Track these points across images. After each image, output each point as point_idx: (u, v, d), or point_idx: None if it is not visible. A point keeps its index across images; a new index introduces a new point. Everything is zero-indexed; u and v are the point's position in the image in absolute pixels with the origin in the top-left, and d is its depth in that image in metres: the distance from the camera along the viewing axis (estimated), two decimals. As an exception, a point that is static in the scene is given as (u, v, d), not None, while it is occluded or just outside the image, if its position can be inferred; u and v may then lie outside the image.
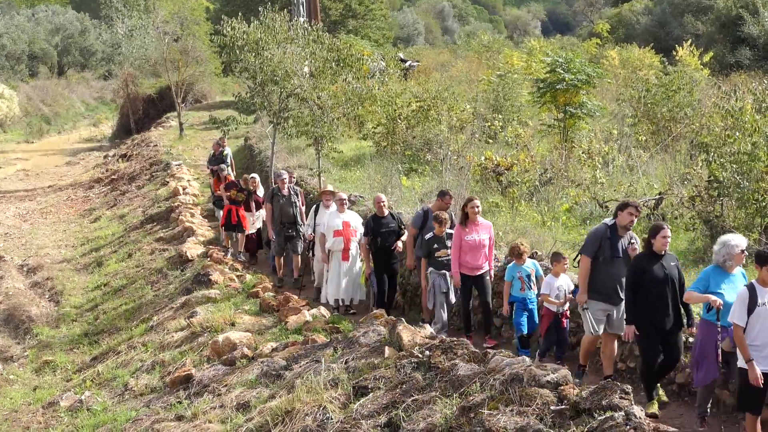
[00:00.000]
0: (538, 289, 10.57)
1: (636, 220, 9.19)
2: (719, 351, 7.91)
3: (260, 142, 27.30)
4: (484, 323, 11.44)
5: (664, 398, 8.61)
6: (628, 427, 6.02)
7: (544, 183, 16.79)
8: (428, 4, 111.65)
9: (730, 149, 12.80)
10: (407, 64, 38.33)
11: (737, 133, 12.78)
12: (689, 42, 33.98)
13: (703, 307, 8.17)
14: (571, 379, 7.21)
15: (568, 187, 16.48)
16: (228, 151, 23.65)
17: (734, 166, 12.48)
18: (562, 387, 6.98)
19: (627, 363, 9.64)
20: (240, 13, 19.22)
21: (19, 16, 68.98)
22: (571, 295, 10.03)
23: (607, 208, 14.97)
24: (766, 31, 39.17)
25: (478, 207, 11.25)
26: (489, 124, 22.40)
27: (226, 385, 10.74)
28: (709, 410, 8.07)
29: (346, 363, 9.30)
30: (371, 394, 8.18)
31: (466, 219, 11.25)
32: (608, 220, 9.26)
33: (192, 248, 18.84)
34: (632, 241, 9.12)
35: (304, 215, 15.54)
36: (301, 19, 24.42)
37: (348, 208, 15.58)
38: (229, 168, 21.78)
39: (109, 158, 38.47)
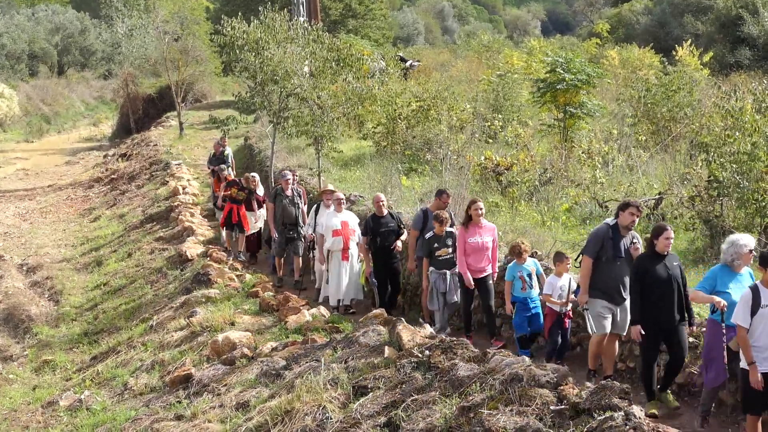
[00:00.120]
0: (541, 288, 10.55)
1: (638, 220, 9.16)
2: (725, 352, 7.87)
3: (260, 141, 27.30)
4: (488, 326, 11.39)
5: (675, 403, 8.50)
6: (627, 427, 6.02)
7: (543, 183, 16.79)
8: (428, 3, 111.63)
9: (729, 149, 12.80)
10: (408, 63, 38.31)
11: (737, 133, 12.78)
12: (689, 42, 33.99)
13: (710, 306, 8.13)
14: (571, 379, 7.21)
15: (568, 186, 16.48)
16: (229, 151, 23.64)
17: (734, 166, 12.48)
18: (561, 387, 6.98)
19: (627, 363, 9.64)
20: (240, 13, 19.24)
21: (19, 15, 68.96)
22: (573, 296, 10.00)
23: (606, 208, 14.97)
24: (766, 31, 39.17)
25: (481, 209, 11.21)
26: (489, 123, 22.40)
27: (225, 385, 10.73)
28: (712, 410, 8.04)
29: (345, 363, 9.30)
30: (371, 394, 8.18)
31: (469, 221, 11.22)
32: (610, 220, 9.23)
33: (192, 248, 18.84)
34: (634, 240, 9.10)
35: (306, 216, 15.52)
36: (301, 19, 24.44)
37: (348, 208, 15.59)
38: (230, 168, 21.77)
39: (109, 158, 38.47)
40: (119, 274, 19.61)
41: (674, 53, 32.64)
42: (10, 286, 19.71)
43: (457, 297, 11.53)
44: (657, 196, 14.67)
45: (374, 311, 11.47)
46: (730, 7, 42.76)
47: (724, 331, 7.86)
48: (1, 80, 54.64)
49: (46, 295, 19.36)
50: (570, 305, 10.11)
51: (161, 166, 31.05)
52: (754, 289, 7.41)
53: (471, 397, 7.29)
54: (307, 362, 10.05)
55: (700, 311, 9.12)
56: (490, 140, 21.70)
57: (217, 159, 22.18)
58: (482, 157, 17.63)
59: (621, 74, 31.70)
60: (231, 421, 9.39)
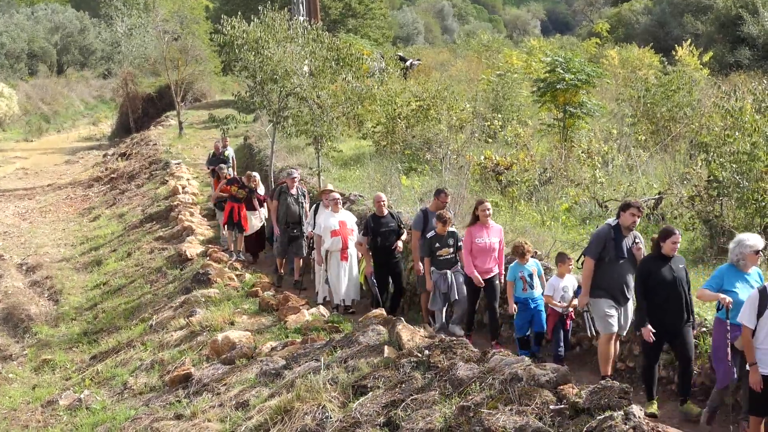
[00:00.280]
0: (543, 288, 10.52)
1: (639, 220, 9.14)
2: (729, 349, 7.84)
3: (260, 141, 27.31)
4: (490, 327, 11.36)
5: (696, 410, 8.35)
6: (627, 426, 6.02)
7: (543, 182, 16.78)
8: (428, 3, 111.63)
9: (729, 149, 12.80)
10: (408, 62, 38.30)
11: (737, 133, 12.78)
12: (689, 42, 33.99)
13: (716, 304, 8.09)
14: (571, 379, 7.21)
15: (568, 186, 16.48)
16: (230, 151, 23.61)
17: (734, 165, 12.47)
18: (561, 386, 6.99)
19: (627, 363, 9.64)
20: (240, 12, 19.22)
21: (19, 14, 68.92)
22: (574, 300, 9.98)
23: (606, 207, 14.97)
24: (766, 31, 39.16)
25: (489, 210, 11.15)
26: (488, 123, 22.41)
27: (225, 384, 10.74)
28: (717, 410, 7.99)
29: (345, 362, 9.30)
30: (370, 394, 8.18)
31: (476, 221, 11.19)
32: (611, 221, 9.19)
33: (191, 247, 18.84)
34: (636, 240, 9.07)
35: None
36: (301, 18, 24.44)
37: (347, 208, 15.58)
38: (230, 169, 21.76)
39: (109, 157, 38.47)
40: (119, 274, 19.61)
41: (674, 53, 32.64)
42: (10, 285, 19.71)
43: (457, 295, 11.49)
44: (657, 196, 14.67)
45: (374, 311, 11.47)
46: (729, 6, 42.75)
47: (728, 328, 7.83)
48: (1, 79, 54.65)
49: (46, 295, 19.36)
50: (571, 308, 10.08)
51: (161, 165, 31.06)
52: (762, 291, 7.35)
53: (470, 397, 7.29)
54: (306, 362, 10.05)
55: (700, 311, 9.12)
56: (490, 140, 21.71)
57: (217, 159, 22.12)
58: (482, 157, 17.64)
59: (621, 74, 31.70)
60: (230, 420, 9.40)
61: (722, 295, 7.86)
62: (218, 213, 18.85)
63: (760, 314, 7.28)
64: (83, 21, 71.40)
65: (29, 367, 15.34)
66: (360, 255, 13.60)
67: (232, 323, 13.26)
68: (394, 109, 22.20)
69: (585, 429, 6.24)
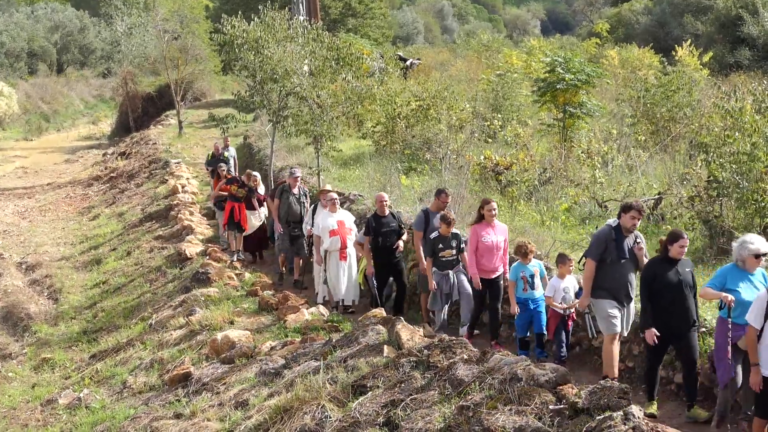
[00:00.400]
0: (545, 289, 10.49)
1: (639, 222, 9.09)
2: (729, 348, 7.82)
3: (259, 140, 27.31)
4: (491, 327, 11.34)
5: (703, 415, 8.30)
6: (626, 427, 6.02)
7: (543, 182, 16.78)
8: (428, 3, 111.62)
9: (729, 149, 12.79)
10: (408, 62, 38.28)
11: (737, 134, 12.77)
12: (689, 42, 33.96)
13: (719, 303, 8.06)
14: (570, 379, 7.21)
15: (568, 186, 16.48)
16: (233, 151, 23.58)
17: (733, 166, 12.46)
18: (560, 387, 6.99)
19: (626, 363, 9.64)
20: (240, 12, 19.22)
21: (19, 13, 68.95)
22: (575, 301, 9.96)
23: (606, 207, 14.97)
24: (766, 32, 39.15)
25: (494, 210, 11.11)
26: (488, 123, 22.41)
27: (224, 384, 10.74)
28: (727, 413, 7.88)
29: (344, 362, 9.30)
30: (370, 393, 8.18)
31: (481, 220, 11.14)
32: (612, 222, 9.15)
33: (191, 246, 18.84)
34: (638, 240, 9.03)
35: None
36: (301, 18, 24.40)
37: (347, 207, 15.58)
38: (232, 168, 21.72)
39: (108, 156, 38.47)
40: (118, 273, 19.61)
41: (674, 53, 32.62)
42: (9, 284, 19.72)
43: (461, 294, 11.48)
44: (656, 196, 14.67)
45: (373, 310, 11.46)
46: (729, 7, 42.74)
47: (730, 327, 7.81)
48: (1, 78, 54.65)
49: (45, 294, 19.36)
50: (573, 309, 10.05)
51: (160, 164, 31.06)
52: None
53: (470, 397, 7.29)
54: (306, 361, 10.06)
55: (700, 311, 9.11)
56: (490, 140, 21.71)
57: (216, 160, 22.04)
58: (482, 157, 17.64)
59: (620, 74, 31.68)
60: (230, 419, 9.41)
61: (724, 294, 7.84)
62: (218, 213, 18.83)
63: (767, 316, 7.26)
64: (83, 20, 71.42)
65: (29, 365, 15.34)
66: (359, 255, 13.58)
67: (231, 322, 13.26)
68: (394, 109, 22.20)
69: (584, 429, 6.25)
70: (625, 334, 9.16)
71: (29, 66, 64.03)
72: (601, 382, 7.04)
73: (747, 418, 7.80)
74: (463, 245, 11.44)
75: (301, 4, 37.60)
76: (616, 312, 8.92)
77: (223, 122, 23.34)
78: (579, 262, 9.63)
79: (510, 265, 11.03)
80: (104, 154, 39.60)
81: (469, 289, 11.37)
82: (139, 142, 38.29)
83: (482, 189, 16.50)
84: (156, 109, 46.13)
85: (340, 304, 13.43)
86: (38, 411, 12.72)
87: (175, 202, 24.17)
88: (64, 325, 17.07)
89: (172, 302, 15.62)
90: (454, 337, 9.12)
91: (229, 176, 18.62)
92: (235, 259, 17.12)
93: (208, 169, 23.03)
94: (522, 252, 10.53)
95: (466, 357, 8.15)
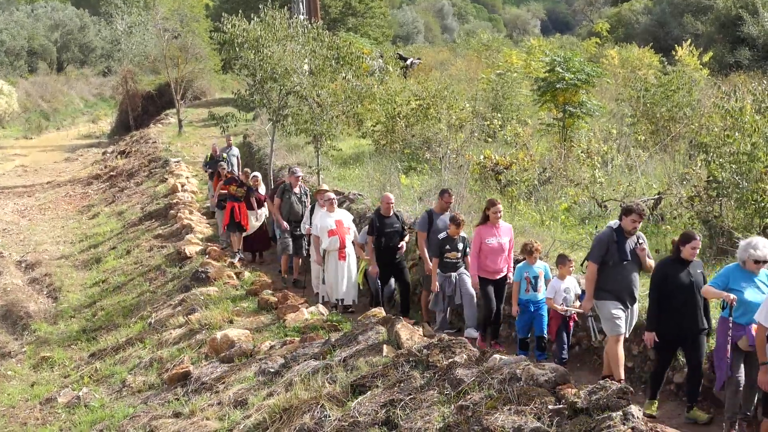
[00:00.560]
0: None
1: (640, 225, 9.01)
2: (729, 348, 7.79)
3: (259, 139, 27.31)
4: (492, 329, 11.34)
5: (703, 416, 8.27)
6: (625, 427, 6.02)
7: (543, 182, 16.77)
8: (428, 2, 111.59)
9: (729, 149, 12.77)
10: (408, 61, 38.26)
11: (736, 134, 12.75)
12: (689, 42, 33.93)
13: (721, 303, 8.01)
14: (569, 379, 7.20)
15: (567, 186, 16.46)
16: (235, 151, 23.49)
17: (733, 166, 12.44)
18: (559, 387, 6.99)
19: (625, 363, 9.61)
20: (240, 11, 19.21)
21: (19, 12, 69.03)
22: (578, 302, 9.93)
23: (605, 207, 14.96)
24: (766, 32, 39.14)
25: (500, 212, 11.01)
26: (488, 122, 22.39)
27: (224, 383, 10.75)
28: (738, 415, 7.78)
29: (344, 361, 9.30)
30: (369, 393, 8.18)
31: (486, 221, 11.06)
32: (613, 223, 9.08)
33: (190, 245, 18.84)
34: (640, 241, 8.97)
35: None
36: (301, 17, 24.40)
37: (347, 207, 15.56)
38: (236, 168, 21.67)
39: (108, 155, 38.47)
40: (118, 272, 19.61)
41: (674, 53, 32.59)
42: (9, 282, 19.73)
43: (463, 297, 11.46)
44: (656, 196, 14.66)
45: (373, 310, 11.45)
46: (729, 7, 42.73)
47: (730, 325, 7.78)
48: (1, 77, 54.66)
49: (45, 292, 19.37)
50: (573, 309, 10.00)
51: (160, 163, 31.07)
52: None
53: (469, 396, 7.29)
54: (305, 360, 10.06)
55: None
56: (489, 139, 21.70)
57: (215, 161, 21.91)
58: (481, 156, 17.62)
59: (620, 74, 31.65)
60: (229, 418, 9.41)
61: (725, 293, 7.82)
62: (218, 212, 18.78)
63: None
64: (83, 19, 71.48)
65: (28, 364, 15.34)
66: (359, 255, 13.52)
67: (231, 321, 13.27)
68: (394, 108, 22.19)
69: (584, 429, 6.24)
70: (627, 335, 9.12)
71: (29, 64, 64.07)
72: (601, 382, 7.03)
73: (747, 419, 7.78)
74: (468, 249, 11.40)
75: (301, 3, 37.65)
76: (619, 313, 8.85)
77: (222, 121, 23.30)
78: (582, 265, 9.58)
79: (515, 265, 10.99)
80: (104, 153, 39.60)
81: (472, 291, 11.34)
82: (139, 140, 38.30)
83: (482, 188, 16.49)
84: (156, 108, 46.13)
85: (339, 303, 13.40)
86: (37, 409, 12.72)
87: (174, 201, 24.18)
88: (64, 324, 17.07)
89: (172, 301, 15.63)
90: (453, 337, 9.12)
91: (228, 176, 18.59)
92: (236, 260, 17.09)
93: (206, 171, 22.88)
94: (527, 250, 10.47)
95: (465, 357, 8.15)
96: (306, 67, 18.83)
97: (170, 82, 39.01)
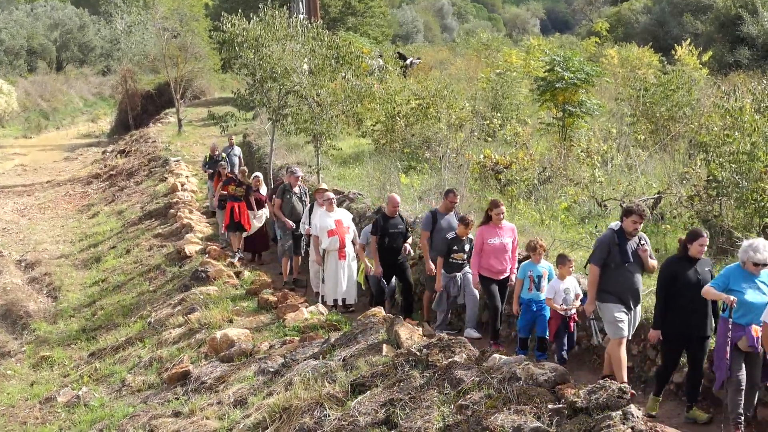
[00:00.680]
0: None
1: (641, 226, 8.92)
2: (728, 348, 7.77)
3: (259, 138, 27.30)
4: (492, 328, 11.31)
5: (703, 416, 8.24)
6: (625, 426, 6.03)
7: (542, 181, 16.77)
8: (427, 1, 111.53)
9: (729, 149, 12.76)
10: (408, 61, 38.24)
11: (736, 133, 12.75)
12: (688, 41, 33.92)
13: (722, 305, 7.99)
14: (569, 378, 7.20)
15: (567, 185, 16.46)
16: (237, 150, 23.46)
17: (733, 165, 12.44)
18: (559, 386, 6.99)
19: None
20: (239, 10, 19.21)
21: (18, 11, 69.06)
22: (578, 302, 9.91)
23: (605, 206, 14.96)
24: (765, 31, 39.16)
25: (503, 213, 10.98)
26: (488, 122, 22.39)
27: (223, 382, 10.76)
28: (742, 416, 7.68)
29: (343, 360, 9.31)
30: (369, 392, 8.18)
31: (488, 221, 11.02)
32: (614, 225, 9.00)
33: (190, 245, 18.84)
34: (642, 242, 8.90)
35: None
36: (301, 16, 24.41)
37: (346, 206, 15.54)
38: (236, 168, 21.65)
39: (108, 154, 38.49)
40: (117, 271, 19.61)
41: (673, 52, 32.59)
42: (8, 282, 19.73)
43: (466, 298, 11.45)
44: (656, 196, 14.65)
45: (372, 309, 11.43)
46: (729, 6, 42.76)
47: (730, 327, 7.77)
48: (0, 76, 54.64)
49: (44, 292, 19.37)
50: (573, 309, 9.97)
51: (160, 162, 31.07)
52: None
53: (469, 396, 7.29)
54: (305, 360, 10.06)
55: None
56: (489, 138, 21.70)
57: (214, 161, 21.89)
58: (481, 156, 17.62)
59: (620, 73, 31.65)
60: (229, 418, 9.42)
61: (725, 295, 7.80)
62: (219, 212, 18.76)
63: None
64: (83, 18, 71.49)
65: (27, 363, 15.35)
66: (360, 257, 13.45)
67: (230, 321, 13.27)
68: (394, 108, 22.19)
69: (583, 428, 6.25)
70: (630, 337, 9.07)
71: (29, 63, 64.08)
72: (600, 381, 7.03)
73: (746, 419, 7.77)
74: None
75: (300, 3, 37.65)
76: (622, 316, 8.77)
77: (222, 120, 23.36)
78: (585, 267, 9.53)
79: (519, 264, 10.96)
80: (103, 152, 39.61)
81: (476, 292, 11.35)
82: (139, 140, 38.30)
83: (482, 188, 16.49)
84: (155, 107, 46.14)
85: (339, 303, 13.38)
86: (37, 409, 12.73)
87: (174, 200, 24.17)
88: (63, 323, 17.07)
89: (172, 300, 15.63)
90: (452, 337, 9.12)
91: (228, 176, 18.57)
92: (236, 259, 17.08)
93: (206, 171, 22.83)
94: (531, 247, 10.44)
95: (465, 356, 8.15)
96: (306, 66, 18.84)
97: (170, 82, 39.01)
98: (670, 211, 14.02)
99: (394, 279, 13.21)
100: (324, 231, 13.28)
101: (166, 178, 27.77)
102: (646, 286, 9.28)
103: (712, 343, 8.36)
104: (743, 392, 7.71)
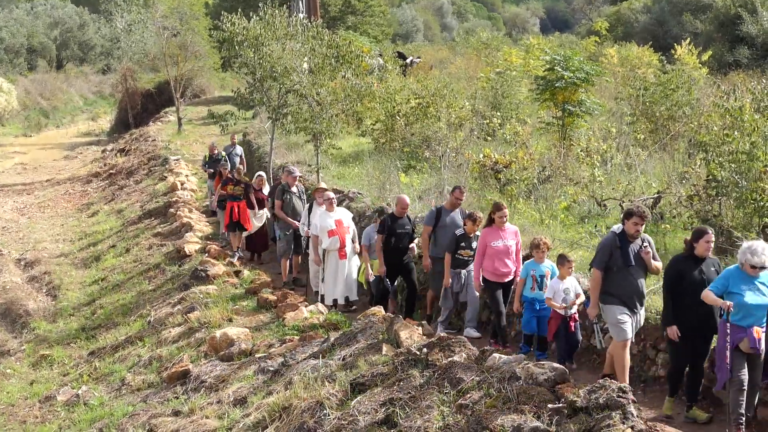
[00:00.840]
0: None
1: (643, 228, 8.83)
2: (728, 351, 7.76)
3: (259, 137, 27.30)
4: (493, 329, 11.29)
5: (702, 416, 8.25)
6: (624, 426, 6.03)
7: (542, 181, 16.77)
8: (427, 0, 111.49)
9: (728, 148, 12.76)
10: (408, 60, 38.23)
11: (736, 133, 12.74)
12: (688, 40, 33.89)
13: (720, 309, 7.97)
14: (569, 378, 7.20)
15: (567, 185, 16.46)
16: (239, 150, 23.43)
17: (732, 165, 12.43)
18: (559, 386, 6.99)
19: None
20: (239, 9, 19.21)
21: (18, 9, 69.01)
22: (579, 301, 9.90)
23: (605, 206, 14.97)
24: (765, 31, 39.15)
25: (506, 216, 10.96)
26: (487, 121, 22.40)
27: (223, 381, 10.76)
28: (743, 416, 7.66)
29: (343, 360, 9.31)
30: (368, 391, 8.19)
31: (491, 224, 11.00)
32: (616, 228, 8.94)
33: (190, 243, 18.83)
34: (644, 244, 8.81)
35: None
36: (301, 15, 24.42)
37: (346, 206, 15.54)
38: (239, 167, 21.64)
39: (107, 153, 38.48)
40: (117, 270, 19.61)
41: (673, 52, 32.57)
42: (8, 280, 19.72)
43: (468, 296, 11.46)
44: (655, 195, 14.66)
45: (372, 309, 11.44)
46: (729, 6, 42.74)
47: (728, 329, 7.76)
48: (0, 74, 54.64)
49: (44, 290, 19.37)
50: (574, 308, 9.96)
51: (160, 161, 31.06)
52: None
53: (469, 395, 7.30)
54: (304, 359, 10.07)
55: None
56: (489, 138, 21.69)
57: (213, 161, 21.87)
58: (481, 155, 17.62)
59: (620, 72, 31.65)
60: (228, 417, 9.42)
61: (722, 301, 7.78)
62: (220, 212, 18.74)
63: None
64: (83, 16, 71.45)
65: (27, 362, 15.35)
66: (363, 258, 13.40)
67: (230, 320, 13.27)
68: (394, 107, 22.19)
69: (583, 428, 6.25)
70: (633, 339, 9.03)
71: (29, 62, 64.06)
72: (600, 381, 7.03)
73: (747, 420, 7.77)
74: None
75: (300, 2, 37.65)
76: (626, 318, 8.72)
77: (222, 119, 23.35)
78: (589, 271, 9.49)
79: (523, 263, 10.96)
80: (103, 151, 39.60)
81: (475, 294, 11.37)
82: (139, 138, 38.28)
83: (481, 187, 16.49)
84: (155, 106, 46.12)
85: (340, 302, 13.38)
86: (36, 408, 12.73)
87: (174, 199, 24.17)
88: (63, 322, 17.08)
89: (171, 299, 15.64)
90: (452, 336, 9.11)
91: (227, 176, 18.54)
92: (235, 259, 17.07)
93: (206, 170, 22.79)
94: (534, 244, 10.44)
95: (465, 356, 8.16)
96: (305, 65, 18.84)
97: (170, 80, 38.99)
98: (669, 211, 14.02)
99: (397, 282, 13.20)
100: (324, 231, 13.27)
101: (166, 177, 27.76)
102: (647, 285, 9.25)
103: (713, 343, 8.36)
104: (745, 393, 7.70)
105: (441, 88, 22.45)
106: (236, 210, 17.03)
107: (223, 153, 22.54)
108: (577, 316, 9.99)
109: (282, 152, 23.06)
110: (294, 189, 15.41)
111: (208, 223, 21.40)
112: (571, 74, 20.46)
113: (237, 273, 16.09)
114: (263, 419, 8.69)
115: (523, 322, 10.49)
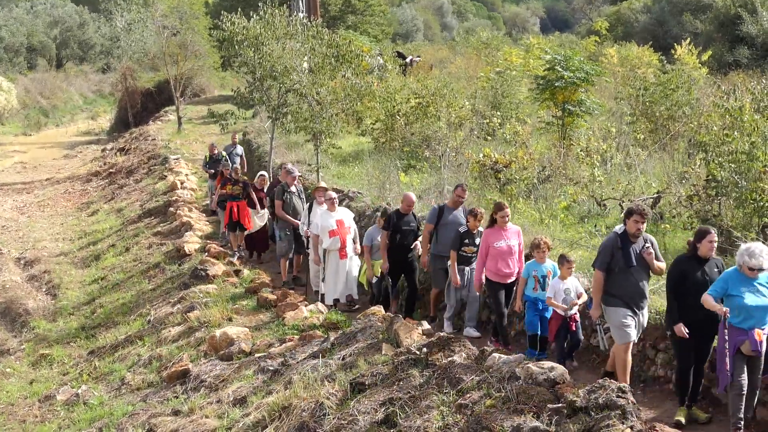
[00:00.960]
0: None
1: (644, 226, 8.77)
2: (727, 353, 7.75)
3: (259, 137, 27.29)
4: (493, 329, 11.29)
5: (702, 416, 8.24)
6: (624, 425, 6.04)
7: (542, 180, 16.78)
8: (427, 0, 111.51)
9: (728, 148, 12.76)
10: (408, 59, 38.22)
11: (735, 133, 12.75)
12: (688, 40, 33.87)
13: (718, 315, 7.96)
14: (568, 378, 7.20)
15: (566, 184, 16.47)
16: (239, 149, 23.40)
17: (732, 165, 12.44)
18: (558, 385, 6.99)
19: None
20: (239, 8, 19.21)
21: (18, 8, 68.97)
22: (580, 300, 9.90)
23: (604, 206, 14.97)
24: (765, 31, 39.14)
25: (508, 216, 10.92)
26: (487, 121, 22.40)
27: (223, 380, 10.76)
28: (742, 420, 7.66)
29: (343, 359, 9.32)
30: (368, 391, 8.19)
31: (493, 224, 10.97)
32: (618, 229, 8.90)
33: (190, 243, 18.83)
34: (646, 244, 8.77)
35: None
36: (301, 15, 24.41)
37: (346, 205, 15.53)
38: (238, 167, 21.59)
39: (107, 152, 38.47)
40: (117, 269, 19.61)
41: (673, 52, 32.57)
42: (8, 279, 19.71)
43: (469, 295, 11.46)
44: (655, 195, 14.67)
45: (372, 308, 11.45)
46: (728, 6, 42.73)
47: (726, 332, 7.75)
48: (0, 73, 54.63)
49: (44, 289, 19.36)
50: (575, 308, 9.95)
51: (159, 160, 31.05)
52: None
53: (468, 395, 7.30)
54: (304, 358, 10.07)
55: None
56: (489, 137, 21.70)
57: (213, 161, 21.82)
58: (481, 155, 17.62)
59: (620, 72, 31.65)
60: (228, 417, 9.42)
61: (719, 306, 7.77)
62: (220, 212, 18.72)
63: None
64: (83, 15, 71.39)
65: (27, 361, 15.35)
66: (365, 259, 13.37)
67: (230, 319, 13.27)
68: (394, 106, 22.19)
69: (582, 428, 6.26)
70: (636, 340, 9.01)
71: (28, 61, 64.04)
72: (600, 381, 7.03)
73: (746, 421, 7.77)
74: None
75: (300, 1, 37.63)
76: (629, 320, 8.69)
77: (222, 118, 23.34)
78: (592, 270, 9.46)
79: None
80: (103, 150, 39.59)
81: (475, 293, 11.37)
82: (138, 137, 38.26)
83: (481, 187, 16.49)
84: (155, 105, 46.11)
85: (341, 301, 13.37)
86: (36, 407, 12.73)
87: (174, 198, 24.16)
88: (63, 321, 17.07)
89: (171, 299, 15.63)
90: (452, 336, 9.12)
91: (226, 176, 18.50)
92: (235, 258, 17.06)
93: (206, 170, 22.74)
94: (535, 244, 10.43)
95: (464, 355, 8.16)
96: (305, 65, 18.85)
97: (169, 80, 38.98)
98: (669, 211, 14.03)
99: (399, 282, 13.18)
100: (325, 231, 13.26)
101: (166, 176, 27.75)
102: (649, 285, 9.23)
103: (714, 344, 8.36)
104: (744, 397, 7.70)
105: (441, 88, 22.45)
106: (236, 210, 17.02)
107: (224, 153, 22.50)
108: (577, 316, 9.98)
109: (282, 151, 23.05)
110: (293, 188, 15.40)
111: (207, 222, 21.39)
112: (571, 74, 20.47)
113: (237, 272, 16.08)
114: (263, 419, 8.69)
115: (527, 323, 10.47)
